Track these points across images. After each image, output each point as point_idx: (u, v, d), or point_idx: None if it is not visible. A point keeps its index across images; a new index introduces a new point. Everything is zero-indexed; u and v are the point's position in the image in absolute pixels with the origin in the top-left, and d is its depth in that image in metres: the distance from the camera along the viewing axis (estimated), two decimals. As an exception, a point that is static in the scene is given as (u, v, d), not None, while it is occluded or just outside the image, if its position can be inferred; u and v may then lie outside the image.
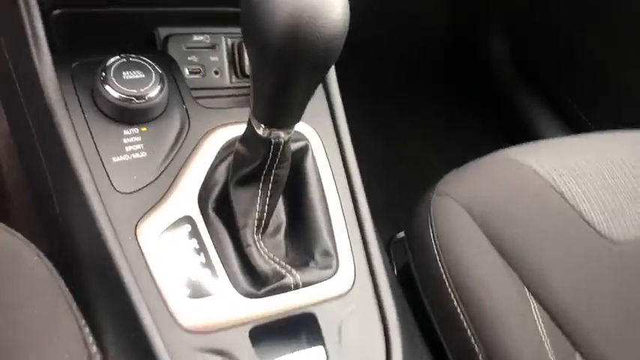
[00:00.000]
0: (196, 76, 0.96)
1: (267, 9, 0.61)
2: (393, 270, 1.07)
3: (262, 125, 0.73)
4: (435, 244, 0.93)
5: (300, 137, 0.91)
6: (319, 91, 0.99)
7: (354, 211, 0.91)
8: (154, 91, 0.83)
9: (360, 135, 1.81)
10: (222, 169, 0.83)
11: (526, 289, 0.92)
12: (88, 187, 0.78)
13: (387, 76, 2.01)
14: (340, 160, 0.95)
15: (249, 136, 0.77)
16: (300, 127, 0.92)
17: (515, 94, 1.94)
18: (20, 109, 0.91)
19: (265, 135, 0.74)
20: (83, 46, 0.88)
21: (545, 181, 1.03)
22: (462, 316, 0.88)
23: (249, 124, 0.75)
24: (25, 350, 0.62)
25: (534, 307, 0.91)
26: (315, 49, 0.63)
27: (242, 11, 0.65)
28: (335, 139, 0.96)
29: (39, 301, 0.67)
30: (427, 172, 1.16)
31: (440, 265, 0.91)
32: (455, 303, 0.89)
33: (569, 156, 1.08)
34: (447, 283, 0.90)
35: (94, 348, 0.66)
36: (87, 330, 0.68)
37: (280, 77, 0.67)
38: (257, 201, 0.81)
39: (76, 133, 0.80)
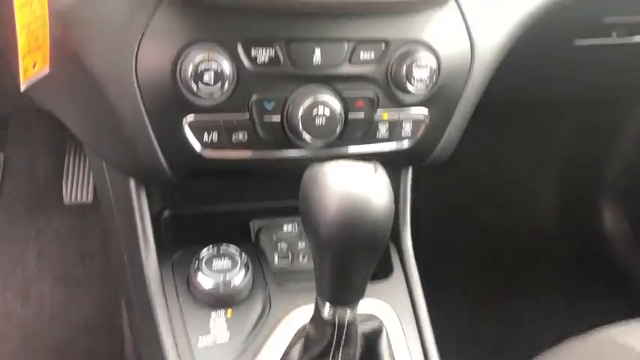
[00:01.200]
0: (285, 260, 1.07)
1: (318, 202, 0.71)
2: None
3: (327, 303, 0.79)
4: None
5: (374, 318, 0.94)
6: (399, 272, 1.04)
7: None
8: (239, 279, 0.93)
9: (470, 319, 1.77)
10: (297, 348, 0.88)
11: None
12: None
13: (496, 255, 1.99)
14: (418, 340, 0.95)
15: (315, 318, 0.82)
16: (378, 305, 0.96)
17: (634, 264, 1.82)
18: (128, 291, 1.04)
19: (330, 315, 0.79)
20: (187, 238, 1.02)
21: None
22: None
23: (316, 304, 0.81)
24: None
25: None
26: (360, 234, 0.70)
27: (299, 206, 0.75)
28: (414, 320, 0.98)
29: None
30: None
31: None
32: None
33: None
34: None
35: None
36: None
37: (333, 259, 0.74)
38: None
39: (170, 318, 0.91)
